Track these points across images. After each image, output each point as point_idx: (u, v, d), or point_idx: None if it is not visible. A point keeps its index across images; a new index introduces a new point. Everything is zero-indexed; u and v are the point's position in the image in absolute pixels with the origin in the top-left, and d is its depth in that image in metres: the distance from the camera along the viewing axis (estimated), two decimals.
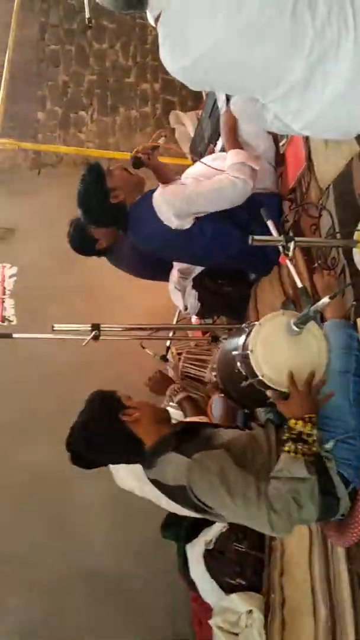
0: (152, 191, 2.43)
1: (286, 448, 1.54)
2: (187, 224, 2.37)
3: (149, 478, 1.76)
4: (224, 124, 2.56)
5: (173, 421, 2.23)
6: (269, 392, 1.65)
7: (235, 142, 2.48)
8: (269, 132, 2.57)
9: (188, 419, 2.53)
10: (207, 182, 2.36)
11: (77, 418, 1.82)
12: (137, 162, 2.53)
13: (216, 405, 2.63)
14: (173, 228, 2.37)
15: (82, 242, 2.79)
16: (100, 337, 2.57)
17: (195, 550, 2.72)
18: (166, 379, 2.93)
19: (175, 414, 2.50)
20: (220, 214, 2.39)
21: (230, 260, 2.60)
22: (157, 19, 1.50)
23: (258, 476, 1.56)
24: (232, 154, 2.41)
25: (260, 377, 1.65)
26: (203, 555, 2.68)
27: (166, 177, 2.55)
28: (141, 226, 2.46)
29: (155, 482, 1.73)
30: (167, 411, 1.91)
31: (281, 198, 2.49)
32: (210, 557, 2.66)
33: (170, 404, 2.75)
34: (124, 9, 1.49)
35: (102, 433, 1.77)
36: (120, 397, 1.83)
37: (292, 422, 1.55)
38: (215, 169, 2.40)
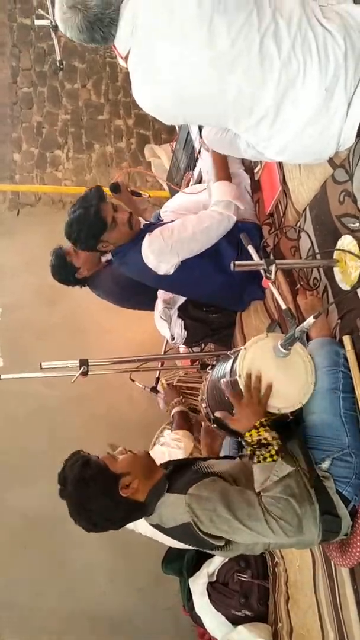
0: (143, 232, 2.42)
1: (255, 460, 1.58)
2: (172, 269, 2.39)
3: (150, 524, 1.72)
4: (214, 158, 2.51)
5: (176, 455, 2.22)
6: (217, 414, 1.74)
7: (227, 172, 2.47)
8: (242, 163, 2.63)
9: (174, 431, 2.68)
10: (193, 223, 2.36)
11: (71, 496, 1.69)
12: (116, 187, 2.63)
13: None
14: (160, 274, 2.40)
15: (63, 270, 2.90)
16: (89, 373, 2.55)
17: (199, 584, 2.66)
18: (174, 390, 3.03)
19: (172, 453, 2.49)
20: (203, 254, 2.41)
21: (209, 296, 2.69)
22: (126, 57, 1.53)
23: None
24: (220, 189, 2.40)
25: None
26: (207, 588, 2.63)
27: (135, 207, 2.67)
28: (126, 263, 2.50)
29: (158, 527, 1.71)
30: (149, 455, 1.80)
31: (261, 229, 2.51)
32: (214, 590, 2.60)
33: (161, 439, 2.73)
34: (87, 43, 1.53)
35: (108, 518, 1.69)
36: (107, 465, 1.67)
37: (247, 435, 1.60)
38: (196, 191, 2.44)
